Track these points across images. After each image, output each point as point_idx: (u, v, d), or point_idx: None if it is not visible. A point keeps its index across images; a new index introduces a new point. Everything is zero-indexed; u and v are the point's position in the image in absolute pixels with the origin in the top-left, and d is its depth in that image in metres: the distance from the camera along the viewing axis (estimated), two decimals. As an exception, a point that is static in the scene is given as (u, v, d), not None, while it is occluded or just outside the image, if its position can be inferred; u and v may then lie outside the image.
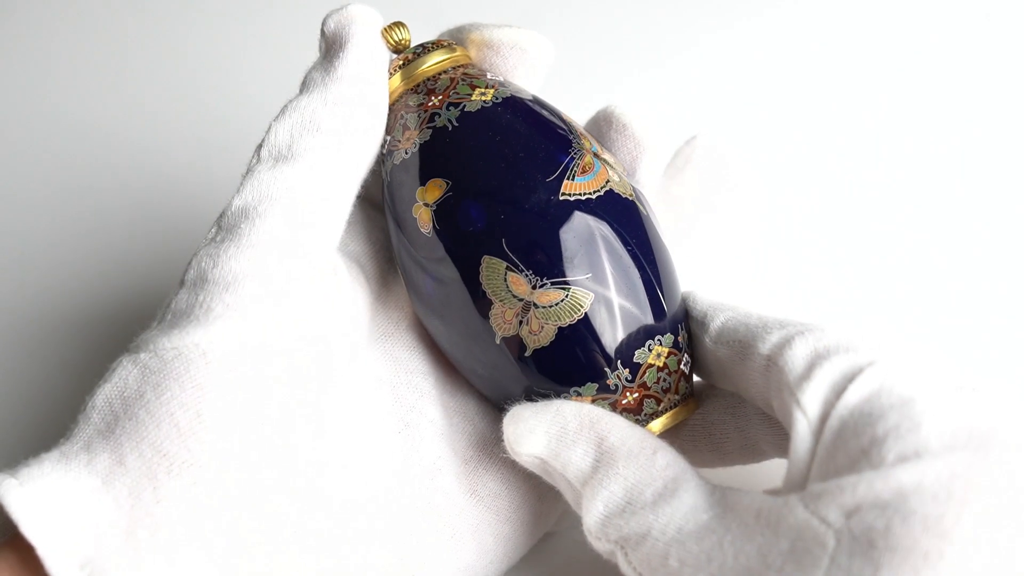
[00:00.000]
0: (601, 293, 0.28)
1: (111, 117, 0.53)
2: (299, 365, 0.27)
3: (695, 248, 0.37)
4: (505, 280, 0.28)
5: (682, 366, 0.30)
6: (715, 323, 0.29)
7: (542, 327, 0.28)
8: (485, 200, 0.28)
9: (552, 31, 0.35)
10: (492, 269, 0.28)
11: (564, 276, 0.28)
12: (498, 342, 0.28)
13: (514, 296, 0.28)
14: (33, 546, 0.23)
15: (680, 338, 0.30)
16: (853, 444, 0.23)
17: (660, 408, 0.29)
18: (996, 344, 0.39)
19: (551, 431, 0.28)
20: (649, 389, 0.29)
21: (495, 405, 0.31)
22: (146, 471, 0.24)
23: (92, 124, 0.53)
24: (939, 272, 0.42)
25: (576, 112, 0.33)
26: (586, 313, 0.28)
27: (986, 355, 0.39)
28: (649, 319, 0.29)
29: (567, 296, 0.28)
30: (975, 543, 0.21)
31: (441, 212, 0.29)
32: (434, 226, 0.29)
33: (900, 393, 0.24)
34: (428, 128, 0.30)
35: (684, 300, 0.31)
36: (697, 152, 0.35)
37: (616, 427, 0.27)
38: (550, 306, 0.28)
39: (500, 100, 0.30)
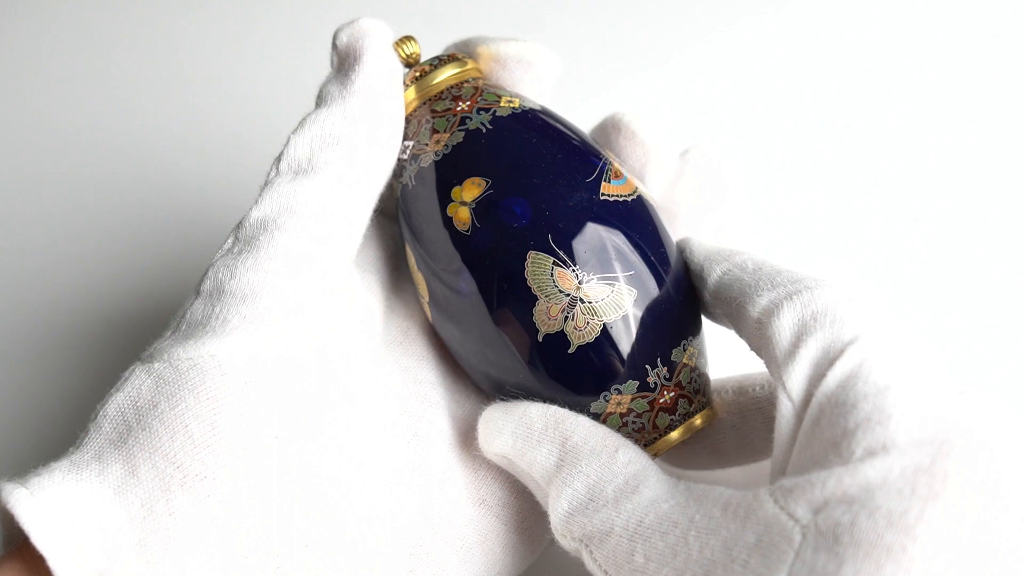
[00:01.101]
0: (643, 291, 0.28)
1: (122, 123, 0.53)
2: (315, 379, 0.27)
3: None
4: (552, 275, 0.28)
5: (707, 369, 0.30)
6: (712, 277, 0.29)
7: (587, 323, 0.28)
8: (529, 197, 0.28)
9: (552, 32, 0.35)
10: (538, 264, 0.28)
11: (610, 272, 0.28)
12: (541, 339, 0.28)
13: (560, 291, 0.28)
14: (43, 556, 0.23)
15: (704, 341, 0.30)
16: (827, 434, 0.23)
17: (692, 409, 0.29)
18: (992, 349, 0.40)
19: (517, 431, 0.28)
20: (684, 389, 0.29)
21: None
22: (159, 483, 0.24)
23: (102, 129, 0.53)
24: (936, 277, 0.42)
25: (574, 115, 0.33)
26: (629, 309, 0.28)
27: (982, 360, 0.39)
28: (682, 319, 0.29)
29: (613, 292, 0.28)
30: (938, 539, 0.21)
31: (482, 209, 0.29)
32: (474, 224, 0.29)
33: (876, 380, 0.24)
34: (460, 131, 0.30)
35: (680, 248, 0.31)
36: (690, 166, 0.35)
37: (580, 426, 0.28)
38: (596, 301, 0.28)
39: (527, 108, 0.31)
